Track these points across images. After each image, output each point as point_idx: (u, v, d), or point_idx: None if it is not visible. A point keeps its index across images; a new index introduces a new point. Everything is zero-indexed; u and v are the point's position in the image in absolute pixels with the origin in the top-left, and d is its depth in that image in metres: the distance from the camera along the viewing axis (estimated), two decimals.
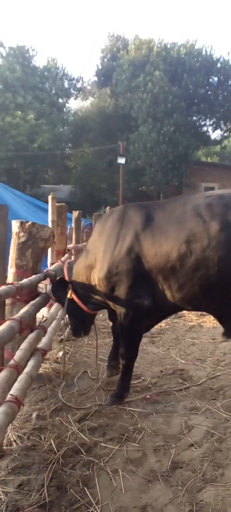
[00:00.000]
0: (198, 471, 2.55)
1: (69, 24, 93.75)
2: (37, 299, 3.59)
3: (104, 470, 2.54)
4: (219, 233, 2.91)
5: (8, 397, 2.47)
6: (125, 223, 3.34)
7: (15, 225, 3.71)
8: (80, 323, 3.88)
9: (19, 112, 23.53)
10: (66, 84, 29.12)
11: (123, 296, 3.27)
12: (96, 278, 3.43)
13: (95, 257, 3.50)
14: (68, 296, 3.65)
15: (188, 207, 3.11)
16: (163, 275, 3.12)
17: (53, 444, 2.73)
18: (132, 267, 3.19)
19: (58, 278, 3.81)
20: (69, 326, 4.06)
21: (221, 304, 3.18)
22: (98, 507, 2.20)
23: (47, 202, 5.66)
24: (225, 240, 2.91)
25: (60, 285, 3.74)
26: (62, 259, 5.60)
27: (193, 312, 6.74)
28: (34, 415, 3.17)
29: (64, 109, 28.78)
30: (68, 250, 6.30)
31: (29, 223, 3.76)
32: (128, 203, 4.08)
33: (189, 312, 6.72)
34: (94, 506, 2.20)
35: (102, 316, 6.54)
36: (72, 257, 7.05)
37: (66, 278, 3.76)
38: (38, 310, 3.54)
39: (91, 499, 2.26)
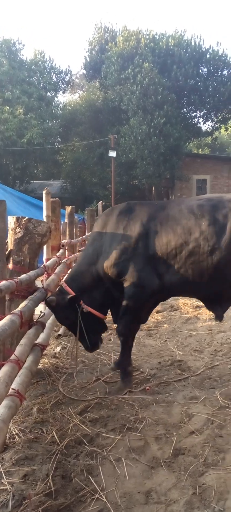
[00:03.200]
0: (199, 456, 2.61)
1: (56, 16, 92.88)
2: (35, 294, 3.60)
3: (107, 459, 2.58)
4: (208, 227, 3.47)
5: (10, 391, 2.49)
6: (132, 217, 3.72)
7: (11, 220, 3.71)
8: (95, 334, 3.78)
9: (7, 107, 23.28)
10: (54, 78, 28.85)
11: (131, 279, 3.58)
12: (104, 266, 3.65)
13: (99, 249, 3.73)
14: (82, 309, 3.61)
15: (183, 207, 3.65)
16: (165, 261, 3.55)
17: (55, 436, 2.77)
18: (141, 253, 3.58)
19: (51, 301, 3.66)
20: (83, 345, 3.85)
21: (210, 290, 3.63)
22: (103, 494, 2.24)
23: (37, 198, 5.66)
24: (212, 232, 3.47)
25: (65, 307, 3.64)
26: (57, 254, 5.62)
27: (189, 304, 6.82)
28: (35, 409, 3.19)
29: (53, 103, 28.52)
30: (63, 245, 6.31)
31: (26, 218, 3.76)
32: (129, 200, 4.15)
33: (185, 304, 6.80)
34: (100, 493, 2.24)
35: None
36: (67, 253, 7.07)
37: (72, 293, 3.64)
38: (36, 305, 3.55)
39: (96, 486, 2.30)
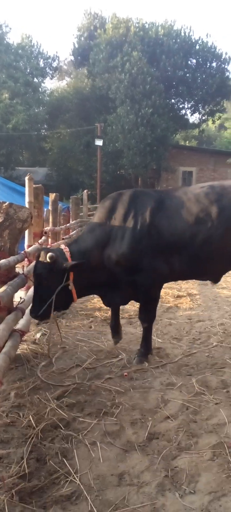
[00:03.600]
0: (173, 440, 2.66)
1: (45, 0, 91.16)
2: (15, 279, 3.59)
3: (82, 443, 2.62)
4: (217, 215, 3.75)
5: None
6: (140, 205, 3.85)
7: None
8: (55, 308, 3.68)
9: None
10: (41, 63, 28.44)
11: (146, 267, 3.77)
12: (116, 255, 3.76)
13: (109, 234, 3.80)
14: (68, 283, 3.62)
15: (190, 196, 3.88)
16: (176, 248, 3.80)
17: (32, 420, 2.78)
18: (153, 242, 3.77)
19: (49, 257, 3.54)
20: (35, 308, 3.72)
21: (216, 271, 4.07)
22: (77, 476, 2.28)
23: (22, 185, 5.61)
24: (220, 219, 3.76)
25: (49, 267, 3.57)
26: (40, 241, 5.59)
27: (170, 294, 6.89)
28: (12, 393, 3.20)
29: (40, 89, 28.15)
30: (46, 232, 6.27)
31: (6, 203, 3.74)
32: (136, 188, 4.26)
33: (166, 294, 6.86)
34: (73, 475, 2.28)
35: (80, 299, 6.58)
36: (49, 240, 7.04)
37: (69, 261, 3.65)
38: (16, 291, 3.55)
39: (70, 469, 2.33)
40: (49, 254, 3.55)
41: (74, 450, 2.53)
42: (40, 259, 3.64)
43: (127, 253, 3.75)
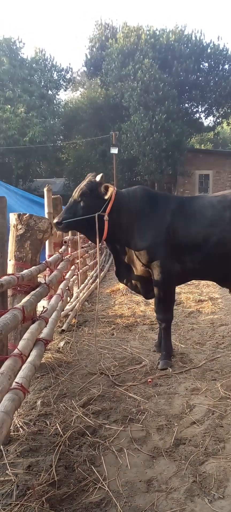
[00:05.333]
0: (200, 446, 2.65)
1: (56, 13, 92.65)
2: (38, 289, 3.65)
3: (109, 450, 2.63)
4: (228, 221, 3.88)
5: (14, 385, 2.54)
6: (161, 204, 4.10)
7: (12, 217, 3.76)
8: (88, 231, 4.14)
9: (9, 106, 23.30)
10: (55, 76, 28.78)
11: (161, 264, 3.95)
12: (135, 248, 4.03)
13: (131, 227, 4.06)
14: (105, 214, 3.94)
15: (205, 202, 4.05)
16: (190, 249, 3.95)
17: (59, 428, 2.82)
18: (169, 240, 3.95)
19: (101, 176, 4.08)
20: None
21: (225, 272, 4.07)
22: (105, 483, 2.29)
23: (40, 196, 5.71)
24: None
25: (94, 187, 3.99)
26: (60, 250, 5.66)
27: (192, 298, 6.85)
28: (39, 402, 3.24)
29: (55, 101, 28.49)
30: (65, 242, 6.34)
31: (27, 215, 3.81)
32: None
33: (188, 299, 6.83)
34: (102, 482, 2.29)
35: (101, 307, 6.63)
36: (69, 249, 7.11)
37: (111, 203, 3.96)
38: (39, 300, 3.60)
39: (99, 476, 2.34)
40: (100, 174, 4.04)
41: (102, 457, 2.54)
42: (90, 178, 4.07)
43: (145, 247, 3.99)
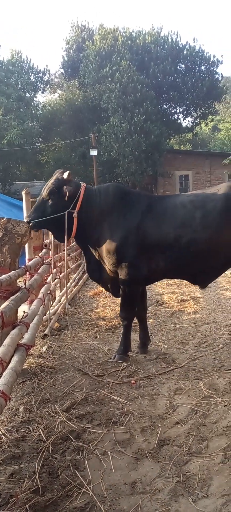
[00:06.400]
0: (184, 445, 2.66)
1: (32, 15, 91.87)
2: (17, 294, 3.60)
3: (93, 453, 2.61)
4: (199, 220, 3.92)
5: None
6: (131, 204, 4.11)
7: None
8: (58, 229, 4.20)
9: None
10: (32, 78, 28.47)
11: (128, 265, 4.00)
12: (105, 249, 4.06)
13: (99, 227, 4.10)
14: (74, 211, 4.00)
15: (177, 202, 4.07)
16: (161, 249, 3.98)
17: (42, 434, 2.78)
18: (138, 241, 3.99)
19: (67, 174, 4.07)
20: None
21: (199, 269, 4.13)
22: (90, 487, 2.27)
23: (20, 199, 5.65)
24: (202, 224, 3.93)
25: (62, 185, 4.00)
26: (40, 254, 5.60)
27: (174, 298, 6.90)
28: (21, 408, 3.20)
29: (33, 103, 28.17)
30: (46, 245, 6.28)
31: (4, 219, 3.76)
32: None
33: (170, 299, 6.87)
34: (86, 487, 2.27)
35: (84, 309, 6.60)
36: (50, 253, 7.04)
37: (80, 200, 4.01)
38: (18, 305, 3.55)
39: (83, 480, 2.33)
40: (67, 171, 4.02)
41: (86, 461, 2.52)
42: (57, 176, 4.06)
43: (114, 248, 4.05)
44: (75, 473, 2.40)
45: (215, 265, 4.11)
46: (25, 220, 4.05)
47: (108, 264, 4.13)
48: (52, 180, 4.10)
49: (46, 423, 2.95)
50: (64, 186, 4.00)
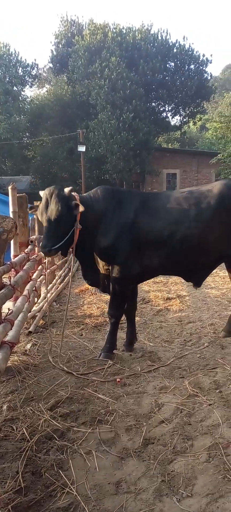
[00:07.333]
0: (168, 444, 2.66)
1: (21, 8, 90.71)
2: (2, 291, 3.54)
3: (78, 453, 2.59)
4: (192, 218, 3.98)
5: None
6: (124, 203, 4.11)
7: None
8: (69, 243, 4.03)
9: None
10: (20, 71, 28.15)
11: (121, 263, 4.03)
12: (98, 248, 4.08)
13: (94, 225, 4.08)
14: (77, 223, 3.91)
15: (171, 199, 4.11)
16: (155, 246, 4.02)
17: (26, 433, 2.75)
18: (132, 239, 4.01)
19: (68, 190, 3.94)
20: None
21: (189, 267, 4.22)
22: (73, 487, 2.25)
23: (6, 194, 5.58)
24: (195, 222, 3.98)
25: (67, 202, 3.86)
26: (26, 250, 5.53)
27: (160, 296, 6.91)
28: (4, 406, 3.15)
29: (20, 97, 27.86)
30: (32, 241, 6.22)
31: None
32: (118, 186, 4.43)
33: (156, 297, 6.88)
34: (70, 486, 2.25)
35: (70, 307, 6.55)
36: (36, 249, 6.97)
37: (81, 207, 3.86)
38: (3, 302, 3.49)
39: (67, 480, 2.30)
40: (68, 188, 3.93)
41: (70, 461, 2.50)
42: (54, 194, 3.86)
43: (107, 246, 4.09)
44: (59, 473, 2.38)
45: (209, 261, 4.20)
46: (44, 251, 3.92)
47: (101, 263, 4.16)
48: (55, 200, 3.86)
49: (30, 422, 2.92)
50: (74, 202, 3.90)
